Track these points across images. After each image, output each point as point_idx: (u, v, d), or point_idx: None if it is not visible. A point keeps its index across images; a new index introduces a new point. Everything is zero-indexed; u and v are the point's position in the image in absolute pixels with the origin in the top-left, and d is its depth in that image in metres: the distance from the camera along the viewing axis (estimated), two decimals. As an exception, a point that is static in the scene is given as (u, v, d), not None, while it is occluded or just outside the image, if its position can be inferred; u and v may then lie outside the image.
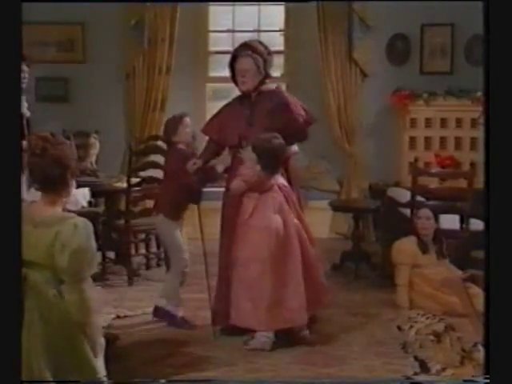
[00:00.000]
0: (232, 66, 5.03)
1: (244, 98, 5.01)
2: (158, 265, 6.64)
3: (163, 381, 4.01)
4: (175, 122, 5.02)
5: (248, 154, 4.72)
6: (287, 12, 8.06)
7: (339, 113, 7.80)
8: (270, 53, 5.04)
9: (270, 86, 5.04)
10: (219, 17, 8.24)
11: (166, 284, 5.13)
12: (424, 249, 5.45)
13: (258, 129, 4.82)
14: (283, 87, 8.00)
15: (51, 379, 2.98)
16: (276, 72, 8.17)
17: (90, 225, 3.04)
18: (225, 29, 8.22)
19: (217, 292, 4.98)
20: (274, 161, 4.71)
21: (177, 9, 7.62)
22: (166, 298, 5.07)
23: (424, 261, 5.42)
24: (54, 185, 3.03)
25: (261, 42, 5.13)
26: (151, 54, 7.71)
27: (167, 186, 5.08)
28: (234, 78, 5.05)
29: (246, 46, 5.03)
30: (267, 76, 5.00)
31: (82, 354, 3.06)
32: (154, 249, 6.74)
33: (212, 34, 8.22)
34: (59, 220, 3.01)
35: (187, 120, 5.04)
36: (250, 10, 8.19)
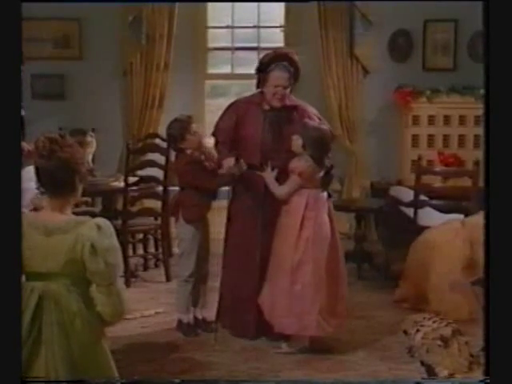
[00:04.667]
0: (264, 74, 4.71)
1: (267, 112, 4.74)
2: (156, 266, 6.55)
3: (178, 380, 3.95)
4: (182, 129, 4.80)
5: (296, 144, 4.57)
6: (287, 8, 7.93)
7: (340, 110, 7.69)
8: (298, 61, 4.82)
9: (291, 98, 4.81)
10: (218, 13, 8.13)
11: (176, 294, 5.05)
12: None
13: (282, 150, 4.65)
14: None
15: None
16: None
17: (109, 223, 2.91)
18: (224, 25, 8.10)
19: (222, 292, 4.91)
20: (323, 149, 4.56)
21: (175, 5, 7.52)
22: (177, 308, 5.00)
23: None
24: (61, 189, 2.89)
25: (294, 52, 4.87)
26: (149, 51, 7.62)
27: (182, 190, 4.93)
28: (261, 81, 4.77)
29: (285, 57, 4.73)
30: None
31: (104, 358, 2.95)
32: (151, 249, 6.64)
33: (211, 31, 8.10)
34: (77, 223, 2.86)
35: (194, 126, 4.84)
36: (250, 5, 8.08)
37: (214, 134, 4.97)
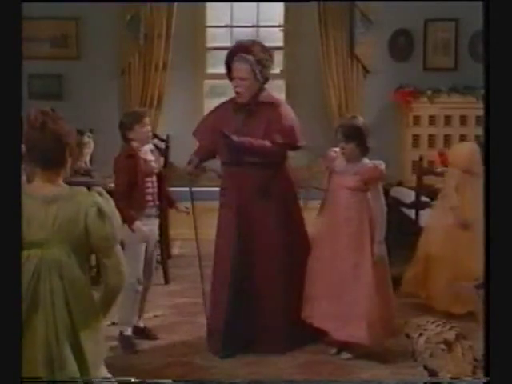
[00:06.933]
0: (228, 65, 4.64)
1: (240, 106, 4.60)
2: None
3: (170, 381, 3.86)
4: (133, 119, 4.63)
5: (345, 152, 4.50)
6: (286, 7, 7.89)
7: (340, 110, 7.63)
8: (270, 54, 4.63)
9: (268, 95, 4.66)
10: (217, 12, 8.08)
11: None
12: None
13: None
14: (283, 84, 7.93)
15: (74, 365, 2.88)
16: (275, 69, 8.07)
17: None
18: (223, 24, 8.04)
19: (213, 300, 4.69)
20: (364, 136, 4.48)
21: (173, 4, 7.46)
22: (119, 320, 4.69)
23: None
24: (53, 162, 2.96)
25: (260, 43, 4.69)
26: (147, 50, 7.55)
27: (115, 187, 4.69)
28: (229, 75, 4.68)
29: (243, 48, 4.58)
30: (266, 81, 4.61)
31: (99, 332, 3.01)
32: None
33: (210, 30, 8.05)
34: (78, 192, 2.97)
35: (146, 120, 4.65)
36: (249, 5, 8.03)
37: (194, 135, 4.88)
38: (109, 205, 2.97)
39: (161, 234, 6.18)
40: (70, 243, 2.90)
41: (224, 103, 4.85)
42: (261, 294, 4.55)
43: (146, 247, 4.68)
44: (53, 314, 2.85)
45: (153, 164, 4.67)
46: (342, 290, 4.42)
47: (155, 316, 5.24)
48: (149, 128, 4.70)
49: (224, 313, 4.51)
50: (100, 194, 2.97)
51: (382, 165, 4.50)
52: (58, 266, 2.88)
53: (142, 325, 4.85)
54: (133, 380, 3.46)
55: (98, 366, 2.99)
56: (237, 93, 4.57)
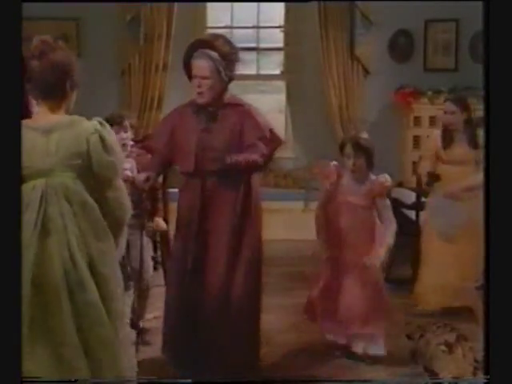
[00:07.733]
0: (188, 66, 4.12)
1: (201, 108, 4.11)
2: (155, 269, 6.45)
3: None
4: (112, 120, 4.33)
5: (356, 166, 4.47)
6: (287, 8, 7.88)
7: (341, 111, 7.64)
8: (235, 48, 4.13)
9: (232, 96, 4.20)
10: (217, 12, 8.07)
11: None
12: (448, 141, 5.32)
13: (217, 154, 4.05)
14: (283, 85, 7.93)
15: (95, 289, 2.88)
16: (276, 69, 8.08)
17: None
18: (223, 25, 8.04)
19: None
20: (372, 155, 4.48)
21: (174, 4, 7.47)
22: None
23: (449, 155, 5.33)
24: (51, 92, 2.97)
25: (224, 36, 4.16)
26: (147, 51, 7.56)
27: None
28: (189, 75, 4.16)
29: (204, 43, 4.07)
30: (231, 80, 4.12)
31: (114, 257, 3.06)
32: (150, 252, 6.56)
33: (210, 31, 8.00)
34: (78, 120, 2.99)
35: (123, 125, 4.49)
36: (249, 5, 8.04)
37: (150, 142, 4.54)
38: (110, 135, 2.98)
39: (161, 235, 6.21)
40: (75, 170, 2.92)
41: (181, 106, 4.35)
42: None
43: (132, 254, 4.65)
44: (66, 237, 2.86)
45: (127, 173, 4.36)
46: (361, 302, 4.43)
47: (155, 317, 5.24)
48: (124, 135, 4.48)
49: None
50: (101, 123, 2.98)
51: (388, 178, 4.48)
52: (64, 192, 2.90)
53: (141, 326, 4.85)
54: (134, 379, 3.49)
55: (119, 294, 2.98)
56: (199, 93, 4.06)
